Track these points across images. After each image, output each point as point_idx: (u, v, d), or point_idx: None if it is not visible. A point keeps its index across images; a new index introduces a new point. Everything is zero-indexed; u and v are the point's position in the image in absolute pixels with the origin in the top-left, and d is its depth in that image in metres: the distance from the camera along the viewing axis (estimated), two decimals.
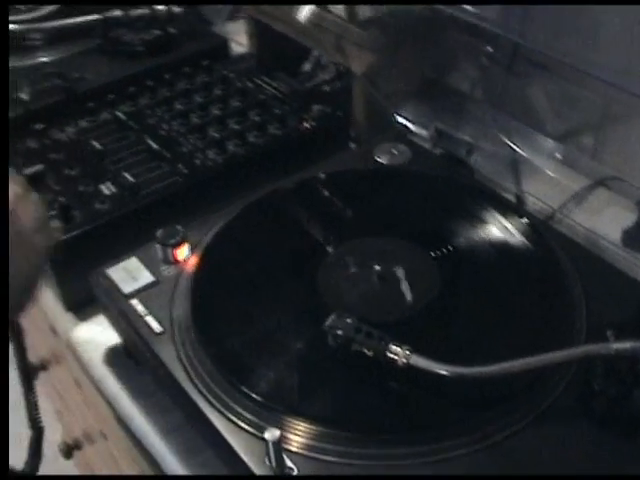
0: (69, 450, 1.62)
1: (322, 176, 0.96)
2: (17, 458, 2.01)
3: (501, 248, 0.85)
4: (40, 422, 1.16)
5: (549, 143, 0.99)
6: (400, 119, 1.05)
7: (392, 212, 0.92)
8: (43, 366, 1.45)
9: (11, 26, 1.34)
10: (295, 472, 0.65)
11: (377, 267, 0.82)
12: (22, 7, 1.43)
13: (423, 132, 1.02)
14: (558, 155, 0.99)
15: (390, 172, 0.98)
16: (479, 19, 0.79)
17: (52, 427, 1.64)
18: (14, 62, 1.29)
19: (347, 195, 0.95)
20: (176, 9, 1.32)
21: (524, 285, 0.80)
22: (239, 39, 1.39)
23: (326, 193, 0.95)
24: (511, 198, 0.95)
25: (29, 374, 1.15)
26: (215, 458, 0.75)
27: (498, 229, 0.86)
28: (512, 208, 0.90)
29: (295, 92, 1.16)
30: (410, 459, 0.66)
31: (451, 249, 0.84)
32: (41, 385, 1.32)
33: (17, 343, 1.11)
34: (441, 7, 0.80)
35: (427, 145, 1.02)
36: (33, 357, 1.30)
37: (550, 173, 1.00)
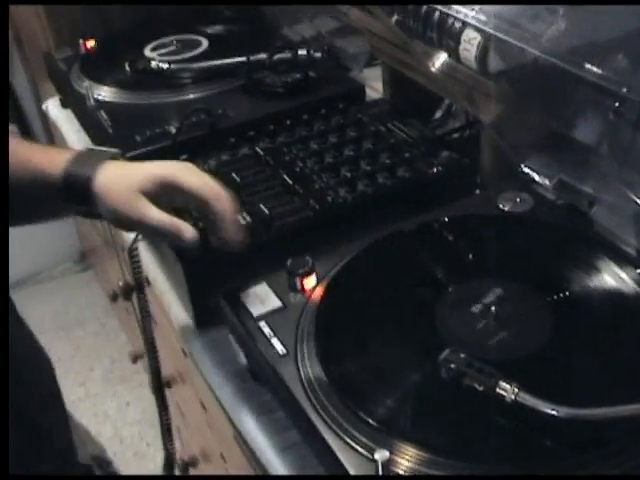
0: (185, 466, 1.69)
1: (445, 219, 1.00)
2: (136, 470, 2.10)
3: (615, 297, 0.87)
4: (172, 444, 1.22)
5: None
6: (525, 169, 1.07)
7: (511, 257, 0.95)
8: (169, 384, 1.53)
9: (165, 65, 1.45)
10: None
11: (493, 307, 0.85)
12: (175, 48, 1.54)
13: (546, 182, 1.04)
14: None
15: (512, 219, 1.01)
16: (605, 80, 0.81)
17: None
18: (166, 98, 1.39)
19: (469, 238, 0.99)
20: (317, 54, 1.39)
21: (636, 334, 0.82)
22: (374, 85, 1.44)
23: (448, 235, 0.99)
24: (630, 251, 0.96)
25: (164, 396, 1.21)
26: (327, 476, 0.80)
27: (613, 278, 0.88)
28: (628, 259, 0.91)
29: (425, 138, 1.21)
30: None
31: (565, 295, 0.87)
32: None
33: (153, 363, 1.18)
34: (566, 66, 0.83)
35: (550, 195, 1.04)
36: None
37: None
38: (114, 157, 0.93)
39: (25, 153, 0.91)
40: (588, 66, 0.81)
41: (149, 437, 2.29)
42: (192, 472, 1.71)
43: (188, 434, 1.67)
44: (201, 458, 1.62)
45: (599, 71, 0.81)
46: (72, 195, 0.89)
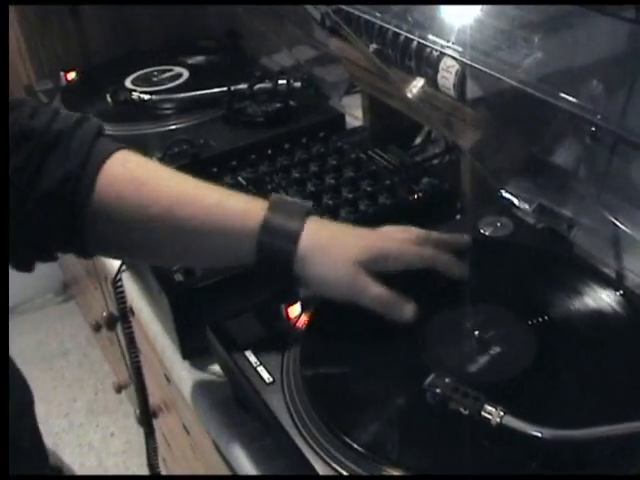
0: None
1: None
2: None
3: (596, 319, 0.88)
4: (158, 467, 1.22)
5: None
6: (505, 194, 1.08)
7: (493, 281, 0.96)
8: (154, 413, 1.52)
9: (147, 96, 1.46)
10: None
11: (477, 332, 0.86)
12: (156, 79, 1.55)
13: (526, 207, 1.06)
14: None
15: (492, 243, 1.02)
16: (579, 108, 0.83)
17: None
18: (147, 129, 1.40)
19: None
20: (296, 84, 1.41)
21: (619, 355, 0.83)
22: (354, 113, 1.45)
23: None
24: (610, 273, 0.97)
25: (151, 422, 1.21)
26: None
27: (594, 301, 0.89)
28: (608, 281, 0.93)
29: (405, 164, 1.22)
30: None
31: (547, 318, 0.88)
32: None
33: (140, 392, 1.18)
34: (542, 95, 0.84)
35: (529, 219, 1.06)
36: None
37: None
38: (310, 212, 0.87)
39: (210, 195, 0.87)
40: (563, 95, 0.82)
41: (134, 467, 2.28)
42: None
43: (174, 464, 1.67)
44: None
45: (574, 100, 0.82)
46: (269, 247, 0.84)
